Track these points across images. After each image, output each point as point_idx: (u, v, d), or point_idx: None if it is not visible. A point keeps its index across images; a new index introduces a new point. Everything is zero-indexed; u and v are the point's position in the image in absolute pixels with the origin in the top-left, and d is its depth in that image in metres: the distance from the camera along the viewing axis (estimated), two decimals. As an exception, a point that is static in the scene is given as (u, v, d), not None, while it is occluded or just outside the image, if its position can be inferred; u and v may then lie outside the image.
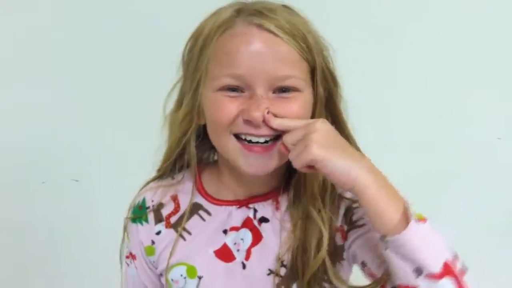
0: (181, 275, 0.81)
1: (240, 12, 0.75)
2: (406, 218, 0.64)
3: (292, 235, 0.79)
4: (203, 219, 0.82)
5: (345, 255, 0.80)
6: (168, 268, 0.81)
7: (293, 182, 0.80)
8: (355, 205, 0.80)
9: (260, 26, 0.72)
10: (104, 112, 1.32)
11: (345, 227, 0.80)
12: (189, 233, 0.82)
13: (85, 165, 1.34)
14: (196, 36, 0.78)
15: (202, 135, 0.81)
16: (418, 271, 0.64)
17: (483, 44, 1.28)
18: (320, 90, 0.77)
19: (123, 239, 0.87)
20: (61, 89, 1.32)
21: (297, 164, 0.68)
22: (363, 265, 0.76)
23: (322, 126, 0.69)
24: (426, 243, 0.64)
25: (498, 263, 1.28)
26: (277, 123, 0.72)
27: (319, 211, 0.78)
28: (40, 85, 1.32)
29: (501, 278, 1.27)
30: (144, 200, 0.85)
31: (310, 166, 0.68)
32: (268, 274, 0.79)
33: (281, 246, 0.79)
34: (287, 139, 0.71)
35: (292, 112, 0.73)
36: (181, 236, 0.81)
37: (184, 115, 0.79)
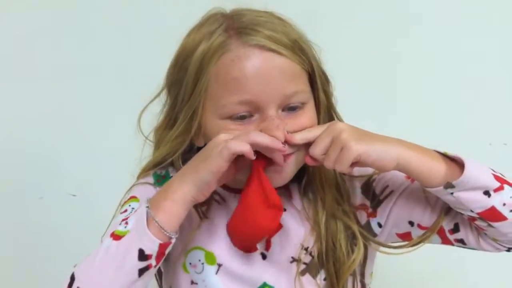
0: (199, 260, 0.81)
1: (230, 31, 0.75)
2: (450, 161, 0.72)
3: (315, 232, 0.81)
4: (219, 204, 0.83)
5: (378, 231, 0.84)
6: (187, 251, 0.81)
7: (304, 182, 0.83)
8: (371, 179, 0.84)
9: (261, 47, 0.73)
10: (103, 126, 1.33)
11: (368, 204, 0.84)
12: (206, 217, 0.82)
13: (83, 179, 1.34)
14: (185, 57, 0.77)
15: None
16: (487, 192, 0.72)
17: (483, 47, 1.30)
18: (321, 94, 0.80)
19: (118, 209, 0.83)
20: (59, 103, 1.32)
21: (342, 167, 0.70)
22: (411, 224, 0.81)
23: (343, 125, 0.73)
24: (478, 167, 0.72)
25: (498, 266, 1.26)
26: (299, 138, 0.74)
27: (339, 204, 0.82)
28: (37, 99, 1.32)
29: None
30: (167, 172, 0.84)
31: (353, 163, 0.71)
32: (291, 262, 0.81)
33: (304, 234, 0.81)
34: (315, 151, 0.72)
35: (305, 125, 0.76)
36: (200, 216, 0.81)
37: (177, 135, 0.79)
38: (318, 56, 0.81)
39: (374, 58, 1.31)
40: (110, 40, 1.33)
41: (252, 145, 0.69)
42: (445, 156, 0.74)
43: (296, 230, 0.82)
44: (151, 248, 0.69)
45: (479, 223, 0.75)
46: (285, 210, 0.81)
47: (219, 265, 0.80)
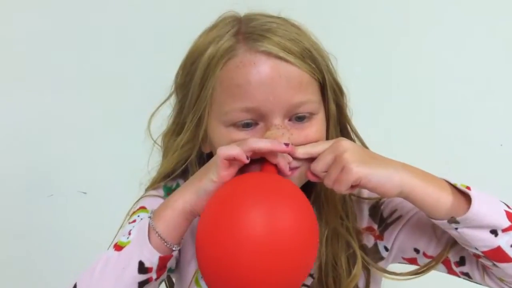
0: None
1: (239, 35, 0.72)
2: (459, 194, 0.68)
3: (319, 252, 0.78)
4: None
5: (385, 254, 0.81)
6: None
7: (312, 199, 0.79)
8: (379, 202, 0.81)
9: (268, 53, 0.70)
10: (113, 124, 1.33)
11: (375, 227, 0.81)
12: None
13: (93, 177, 1.34)
14: (192, 61, 0.75)
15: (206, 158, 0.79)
16: (494, 232, 0.67)
17: (485, 49, 1.28)
18: (332, 106, 0.76)
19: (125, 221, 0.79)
20: (68, 101, 1.33)
21: (341, 187, 0.67)
22: (417, 252, 0.78)
23: (348, 144, 0.69)
24: (487, 204, 0.67)
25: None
26: (301, 152, 0.70)
27: (343, 224, 0.78)
28: (45, 96, 1.33)
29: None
30: (178, 184, 0.82)
31: (353, 186, 0.67)
32: None
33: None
34: (316, 167, 0.69)
35: (312, 139, 0.72)
36: None
37: (184, 143, 0.77)
38: (333, 66, 0.78)
39: (377, 60, 1.30)
40: (122, 40, 1.33)
41: (254, 151, 0.66)
42: (454, 187, 0.69)
43: None
44: (151, 260, 0.66)
45: (484, 261, 0.71)
46: None
47: None
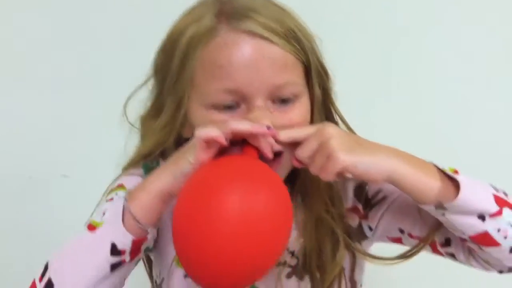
0: None
1: (221, 16, 0.71)
2: (447, 179, 0.67)
3: (301, 235, 0.78)
4: None
5: (369, 234, 0.81)
6: None
7: (297, 185, 0.78)
8: (364, 182, 0.80)
9: (250, 33, 0.69)
10: (94, 105, 1.30)
11: (360, 207, 0.80)
12: None
13: (75, 159, 1.32)
14: (172, 43, 0.73)
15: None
16: (481, 217, 0.66)
17: (484, 42, 1.26)
18: (317, 90, 0.75)
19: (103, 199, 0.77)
20: (49, 83, 1.30)
21: (327, 175, 0.65)
22: (402, 232, 0.77)
23: (334, 130, 0.67)
24: (475, 190, 0.66)
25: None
26: (285, 136, 0.68)
27: (328, 210, 0.77)
28: (26, 79, 1.30)
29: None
30: (158, 163, 0.79)
31: (339, 173, 0.65)
32: (276, 265, 0.78)
33: (291, 238, 0.76)
34: (301, 153, 0.67)
35: (295, 123, 0.71)
36: None
37: (163, 125, 0.75)
38: (318, 48, 0.76)
39: (375, 54, 1.27)
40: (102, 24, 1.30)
41: (234, 134, 0.65)
42: (442, 172, 0.68)
43: None
44: (124, 243, 0.65)
45: (470, 245, 0.71)
46: None
47: None
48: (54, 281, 0.64)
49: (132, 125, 0.82)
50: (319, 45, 0.77)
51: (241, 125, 0.65)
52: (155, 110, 0.78)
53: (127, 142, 0.82)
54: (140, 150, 0.79)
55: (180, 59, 0.71)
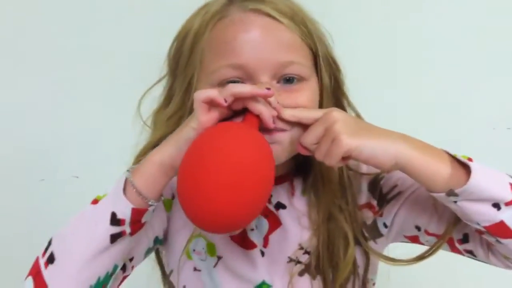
0: (203, 248, 0.77)
1: (232, 0, 0.71)
2: (458, 165, 0.65)
3: (314, 233, 0.77)
4: None
5: (384, 231, 0.79)
6: (190, 237, 0.77)
7: (310, 182, 0.78)
8: (378, 178, 0.79)
9: (257, 11, 0.69)
10: (105, 107, 1.31)
11: (374, 203, 0.79)
12: None
13: (85, 161, 1.32)
14: (185, 32, 0.74)
15: None
16: (496, 205, 0.64)
17: (484, 34, 1.27)
18: (325, 77, 0.74)
19: None
20: (60, 84, 1.30)
21: (331, 160, 0.64)
22: (418, 229, 0.75)
23: (340, 114, 0.66)
24: (489, 177, 0.64)
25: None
26: (289, 113, 0.68)
27: (341, 208, 0.76)
28: (37, 81, 1.30)
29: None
30: None
31: (344, 158, 0.65)
32: (289, 262, 0.77)
33: (302, 234, 0.77)
34: (306, 140, 0.67)
35: (301, 104, 0.70)
36: None
37: (173, 112, 0.75)
38: (328, 42, 0.76)
39: (376, 38, 1.28)
40: (119, 23, 1.31)
41: (234, 96, 0.63)
42: (454, 158, 0.66)
43: (295, 230, 0.78)
44: (124, 212, 0.64)
45: (487, 237, 0.68)
46: (285, 207, 0.78)
47: (219, 258, 0.77)
48: (55, 253, 0.64)
49: (145, 123, 0.82)
50: (331, 43, 0.77)
51: (241, 87, 0.64)
52: (166, 101, 0.78)
53: (138, 143, 0.81)
54: (151, 139, 0.78)
55: (191, 43, 0.72)
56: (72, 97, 1.31)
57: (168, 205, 0.78)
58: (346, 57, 0.79)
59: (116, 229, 0.64)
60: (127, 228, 0.65)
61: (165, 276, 0.84)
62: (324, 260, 0.77)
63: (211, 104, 0.64)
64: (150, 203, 0.66)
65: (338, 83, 0.77)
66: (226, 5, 0.71)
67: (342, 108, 0.78)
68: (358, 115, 0.78)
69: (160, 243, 0.80)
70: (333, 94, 0.77)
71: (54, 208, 1.32)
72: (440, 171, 0.64)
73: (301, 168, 0.79)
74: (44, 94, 1.31)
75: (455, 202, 0.65)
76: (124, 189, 0.65)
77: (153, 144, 0.76)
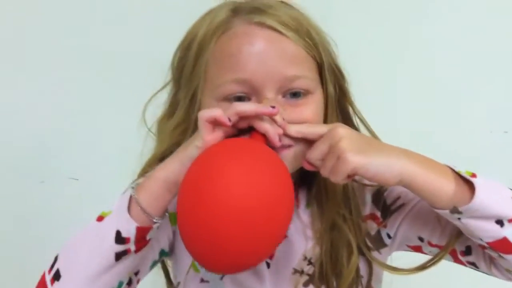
0: None
1: (236, 11, 0.71)
2: (462, 182, 0.65)
3: (318, 244, 0.77)
4: None
5: (388, 241, 0.79)
6: None
7: (314, 192, 0.78)
8: (382, 189, 0.79)
9: (261, 24, 0.69)
10: (104, 109, 1.29)
11: (378, 214, 0.79)
12: None
13: (84, 163, 1.31)
14: (189, 41, 0.73)
15: None
16: (499, 222, 0.64)
17: (482, 37, 1.26)
18: (330, 88, 0.74)
19: None
20: (59, 86, 1.29)
21: (337, 178, 0.64)
22: (421, 240, 0.76)
23: (345, 131, 0.65)
24: (493, 193, 0.64)
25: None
26: (294, 130, 0.67)
27: (344, 218, 0.76)
28: (36, 82, 1.29)
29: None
30: None
31: (350, 175, 0.64)
32: (294, 273, 0.77)
33: (306, 246, 0.77)
34: (312, 156, 0.66)
35: (306, 118, 0.70)
36: None
37: (177, 123, 0.74)
38: (333, 50, 0.76)
39: (378, 46, 1.28)
40: (120, 25, 1.30)
41: (239, 115, 0.63)
42: (458, 174, 0.66)
43: (300, 242, 0.78)
44: (128, 230, 0.64)
45: (489, 252, 0.69)
46: None
47: None
48: (61, 270, 0.64)
49: (149, 130, 0.82)
50: (335, 50, 0.77)
51: (246, 106, 0.64)
52: (170, 110, 0.77)
53: (144, 152, 0.81)
54: (155, 150, 0.78)
55: (195, 54, 0.72)
56: (71, 98, 1.30)
57: (173, 219, 0.78)
58: (347, 62, 0.79)
59: (121, 247, 0.64)
60: (132, 246, 0.65)
61: (171, 285, 0.84)
62: (327, 268, 0.77)
63: (215, 123, 0.63)
64: (154, 220, 0.66)
65: (343, 91, 0.77)
66: (230, 17, 0.71)
67: (348, 115, 0.78)
68: (364, 123, 0.78)
69: (166, 255, 0.80)
70: (338, 102, 0.76)
71: (53, 210, 1.32)
72: (444, 188, 0.64)
73: (305, 178, 0.78)
74: (43, 95, 1.30)
75: (459, 219, 0.65)
76: (129, 206, 0.65)
77: (159, 156, 0.75)
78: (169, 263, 0.84)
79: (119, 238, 0.64)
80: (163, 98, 0.82)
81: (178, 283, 0.81)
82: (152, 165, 0.77)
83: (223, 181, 0.58)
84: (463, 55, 1.27)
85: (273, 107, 0.64)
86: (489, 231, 0.65)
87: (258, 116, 0.64)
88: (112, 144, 1.28)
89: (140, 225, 0.64)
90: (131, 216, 0.64)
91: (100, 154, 1.31)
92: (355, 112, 0.78)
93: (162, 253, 0.77)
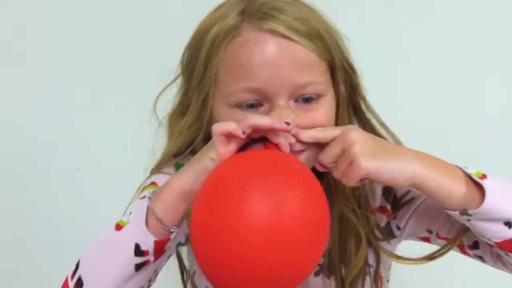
0: None
1: (245, 14, 0.70)
2: (473, 185, 0.66)
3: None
4: None
5: (397, 233, 0.81)
6: None
7: (323, 187, 0.77)
8: None
9: (272, 32, 0.68)
10: (106, 99, 1.30)
11: (388, 207, 0.80)
12: None
13: (87, 153, 1.32)
14: (199, 40, 0.73)
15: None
16: (508, 223, 0.65)
17: (480, 35, 1.27)
18: (342, 87, 0.74)
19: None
20: (62, 78, 1.30)
21: (349, 181, 0.65)
22: (430, 232, 0.77)
23: (358, 135, 0.65)
24: (503, 195, 0.65)
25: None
26: (307, 136, 0.67)
27: (354, 210, 0.77)
28: (40, 75, 1.30)
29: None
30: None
31: (362, 179, 0.65)
32: None
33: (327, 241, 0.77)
34: (324, 158, 0.67)
35: (319, 122, 0.70)
36: None
37: (190, 124, 0.75)
38: (345, 46, 0.76)
39: (375, 39, 1.28)
40: (123, 17, 1.29)
41: (253, 128, 0.63)
42: (468, 176, 0.67)
43: None
44: (147, 243, 0.65)
45: (497, 250, 0.70)
46: None
47: None
48: (83, 279, 0.66)
49: (159, 124, 0.82)
50: (346, 44, 0.76)
51: (259, 119, 0.64)
52: (182, 108, 0.77)
53: (155, 149, 0.81)
54: (168, 148, 0.78)
55: (205, 57, 0.71)
56: (69, 96, 1.30)
57: (189, 213, 0.79)
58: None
59: (140, 259, 0.65)
60: (151, 258, 0.66)
61: (184, 275, 0.86)
62: (335, 257, 0.78)
63: (230, 136, 0.64)
64: (171, 230, 0.66)
65: (354, 87, 0.77)
66: (239, 21, 0.69)
67: (359, 110, 0.79)
68: (378, 119, 0.79)
69: (182, 245, 0.81)
70: (349, 99, 0.77)
71: (49, 209, 1.33)
72: (455, 191, 0.66)
73: (314, 169, 0.79)
74: (45, 88, 1.30)
75: (468, 220, 0.66)
76: (146, 218, 0.66)
77: (174, 153, 0.76)
78: (186, 252, 0.86)
79: (138, 251, 0.65)
80: (172, 92, 0.82)
81: (194, 272, 0.82)
82: (166, 162, 0.78)
83: (240, 210, 0.52)
84: (463, 53, 1.28)
85: (288, 123, 0.64)
86: (497, 232, 0.66)
87: (276, 130, 0.65)
88: (111, 143, 1.29)
89: (158, 238, 0.65)
90: (148, 228, 0.65)
91: (104, 143, 1.31)
92: (367, 107, 0.79)
93: (179, 244, 0.79)
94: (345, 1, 1.27)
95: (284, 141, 0.65)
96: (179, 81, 0.80)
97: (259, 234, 0.50)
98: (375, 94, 1.19)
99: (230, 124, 0.63)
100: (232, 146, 0.64)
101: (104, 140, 1.29)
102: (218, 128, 0.64)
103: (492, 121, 1.30)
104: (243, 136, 0.63)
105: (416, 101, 1.28)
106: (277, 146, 0.65)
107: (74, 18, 1.28)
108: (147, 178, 0.79)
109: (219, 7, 0.75)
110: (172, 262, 0.83)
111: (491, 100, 1.29)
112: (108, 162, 1.20)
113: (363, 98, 0.79)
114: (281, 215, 0.51)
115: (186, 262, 0.86)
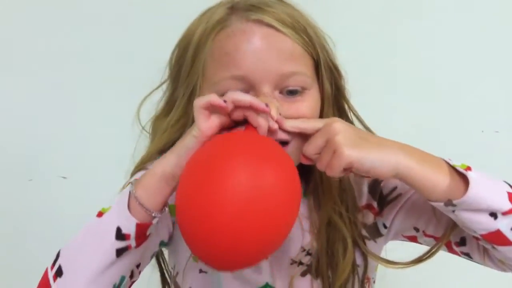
0: None
1: (234, 9, 0.72)
2: (457, 176, 0.66)
3: (315, 238, 0.78)
4: None
5: (384, 231, 0.81)
6: None
7: (311, 187, 0.78)
8: (378, 180, 0.80)
9: (259, 22, 0.69)
10: (94, 107, 1.29)
11: (375, 204, 0.80)
12: None
13: (73, 161, 1.31)
14: (187, 40, 0.74)
15: None
16: (493, 214, 0.65)
17: (475, 38, 1.28)
18: (327, 84, 0.75)
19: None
20: (48, 84, 1.29)
21: (333, 172, 0.64)
22: (416, 230, 0.77)
23: (341, 125, 0.66)
24: (487, 186, 0.65)
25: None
26: (290, 125, 0.68)
27: (341, 214, 0.77)
28: (24, 80, 1.29)
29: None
30: None
31: (346, 169, 0.65)
32: (291, 264, 0.78)
33: (304, 237, 0.78)
34: (308, 150, 0.67)
35: (303, 114, 0.70)
36: None
37: (175, 120, 0.74)
38: (330, 48, 0.77)
39: (373, 39, 1.29)
40: (108, 23, 1.30)
41: (233, 103, 0.63)
42: (453, 168, 0.67)
43: (297, 233, 0.78)
44: (128, 227, 0.64)
45: (483, 243, 0.70)
46: None
47: None
48: (63, 267, 0.64)
49: (143, 128, 0.82)
50: (332, 47, 0.78)
51: (240, 95, 0.64)
52: (167, 109, 0.77)
53: (137, 149, 0.80)
54: (153, 147, 0.77)
55: (193, 52, 0.72)
56: (60, 96, 1.29)
57: (173, 210, 0.78)
58: (344, 60, 0.80)
59: (121, 244, 0.64)
60: (132, 242, 0.65)
61: (164, 277, 0.85)
62: (323, 262, 0.78)
63: (212, 109, 0.64)
64: (153, 215, 0.66)
65: (339, 89, 0.78)
66: (227, 14, 0.71)
67: (344, 112, 0.79)
68: (361, 121, 0.80)
69: (165, 246, 0.80)
70: (334, 99, 0.77)
71: (41, 208, 1.31)
72: (439, 182, 0.65)
73: (302, 170, 0.79)
74: (31, 94, 1.30)
75: (453, 211, 0.66)
76: (128, 203, 0.65)
77: (157, 151, 0.75)
78: (167, 254, 0.85)
79: (120, 235, 0.64)
80: (156, 97, 0.82)
81: (177, 273, 0.81)
82: (149, 160, 0.77)
83: (223, 182, 0.57)
84: (456, 55, 1.29)
85: (266, 105, 0.64)
86: (482, 223, 0.66)
87: (254, 110, 0.64)
88: (102, 142, 1.28)
89: (140, 221, 0.64)
90: (130, 212, 0.64)
91: (90, 152, 1.30)
92: (350, 109, 0.80)
93: (162, 244, 0.78)
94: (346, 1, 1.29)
95: (263, 124, 0.64)
96: (165, 86, 0.80)
97: (238, 200, 0.56)
98: (375, 94, 1.23)
99: (211, 96, 0.63)
100: (215, 121, 0.64)
101: (104, 140, 1.28)
102: (199, 101, 0.63)
103: (492, 121, 1.31)
104: (224, 105, 0.63)
105: (416, 101, 1.30)
106: (256, 129, 0.65)
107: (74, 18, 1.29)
108: (131, 176, 0.78)
109: (208, 8, 0.76)
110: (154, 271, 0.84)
111: (491, 100, 1.30)
112: (108, 162, 1.20)
113: (347, 101, 0.79)
114: (257, 183, 0.57)
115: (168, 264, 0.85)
